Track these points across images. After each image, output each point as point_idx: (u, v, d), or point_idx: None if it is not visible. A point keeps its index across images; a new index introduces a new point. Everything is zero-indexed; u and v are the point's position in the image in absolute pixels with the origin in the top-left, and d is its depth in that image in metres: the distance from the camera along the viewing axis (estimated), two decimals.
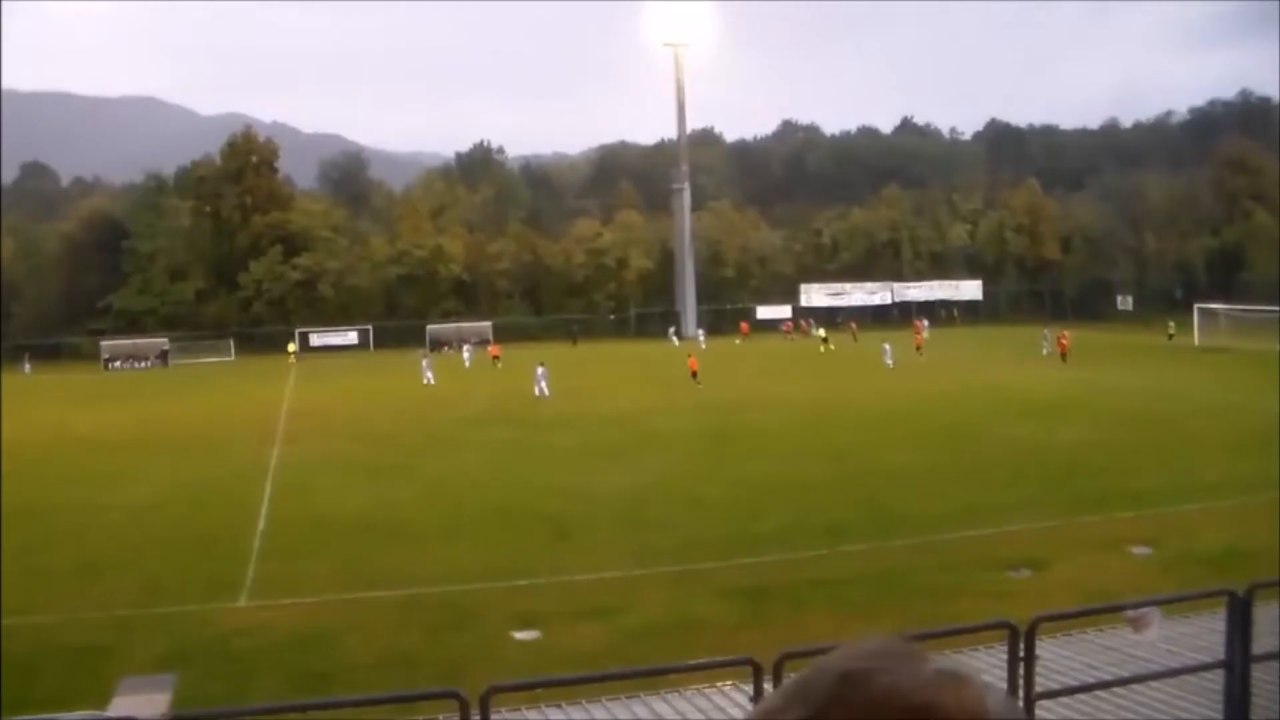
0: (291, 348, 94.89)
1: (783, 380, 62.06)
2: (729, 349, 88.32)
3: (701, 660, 13.16)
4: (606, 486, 32.40)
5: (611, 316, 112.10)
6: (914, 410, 48.37)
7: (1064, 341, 69.67)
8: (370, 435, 45.72)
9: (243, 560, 25.49)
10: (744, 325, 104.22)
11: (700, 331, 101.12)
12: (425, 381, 68.30)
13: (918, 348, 75.93)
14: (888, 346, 69.69)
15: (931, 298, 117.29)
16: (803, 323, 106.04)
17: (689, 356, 65.10)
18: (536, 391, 57.50)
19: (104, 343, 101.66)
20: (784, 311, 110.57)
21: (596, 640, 19.29)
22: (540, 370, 58.33)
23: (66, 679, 18.44)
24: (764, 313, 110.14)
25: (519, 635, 19.68)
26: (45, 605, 22.67)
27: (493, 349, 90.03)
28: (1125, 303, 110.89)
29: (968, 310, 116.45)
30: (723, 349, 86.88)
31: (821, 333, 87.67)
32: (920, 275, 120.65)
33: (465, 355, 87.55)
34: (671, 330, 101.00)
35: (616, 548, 25.48)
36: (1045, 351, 72.72)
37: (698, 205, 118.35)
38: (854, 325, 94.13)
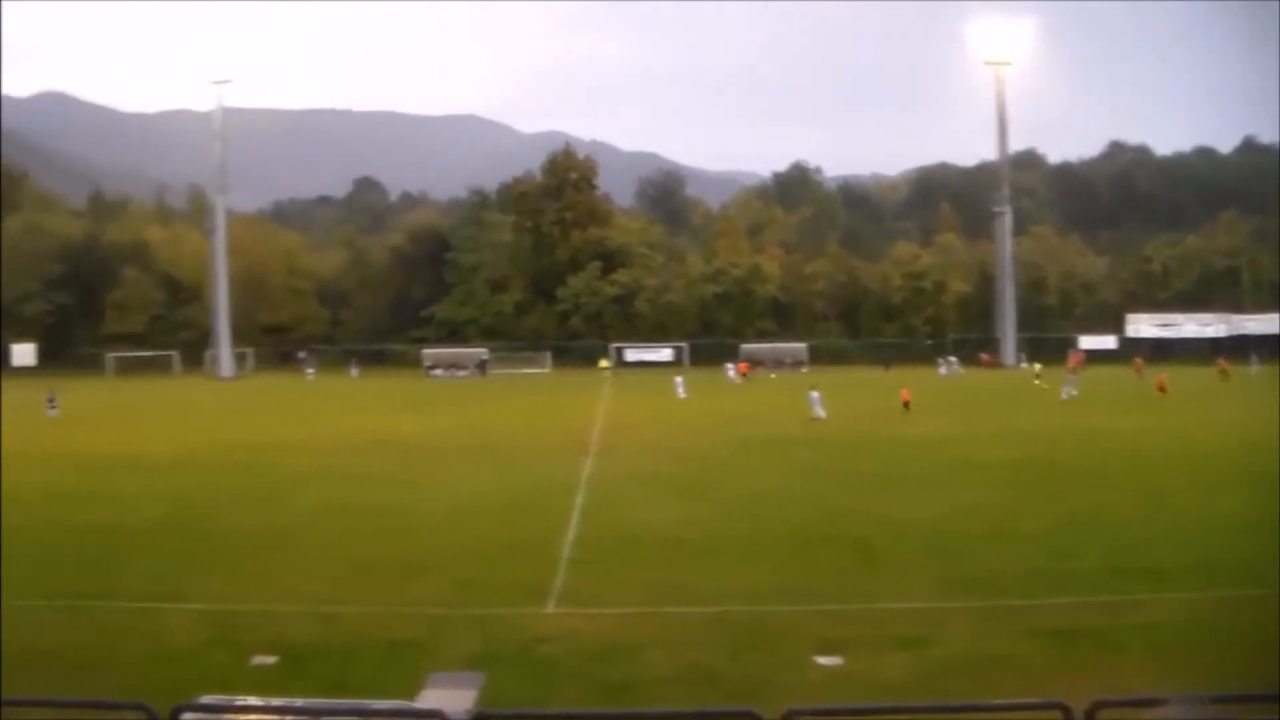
0: (604, 362, 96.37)
1: (1071, 413, 59.24)
2: (987, 380, 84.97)
3: (1008, 700, 12.46)
4: (912, 513, 31.43)
5: (928, 342, 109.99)
6: (1219, 452, 45.09)
7: None
8: (678, 452, 45.72)
9: (552, 568, 25.64)
10: (985, 356, 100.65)
11: (953, 359, 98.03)
12: (679, 397, 71.05)
13: (1155, 382, 70.41)
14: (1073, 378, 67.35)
15: (1273, 331, 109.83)
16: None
17: (902, 388, 63.04)
18: (814, 414, 57.17)
19: (426, 350, 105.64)
20: (1108, 341, 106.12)
21: (900, 671, 18.57)
22: (814, 395, 58.18)
23: (379, 669, 18.84)
24: (1087, 342, 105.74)
25: (822, 660, 19.10)
26: (363, 598, 23.31)
27: (741, 366, 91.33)
28: None
29: None
30: (987, 380, 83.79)
31: (1036, 367, 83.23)
32: (1260, 307, 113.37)
33: (730, 373, 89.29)
34: (950, 359, 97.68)
35: (923, 577, 24.61)
36: None
37: (1019, 229, 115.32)
38: (1139, 360, 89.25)
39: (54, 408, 65.95)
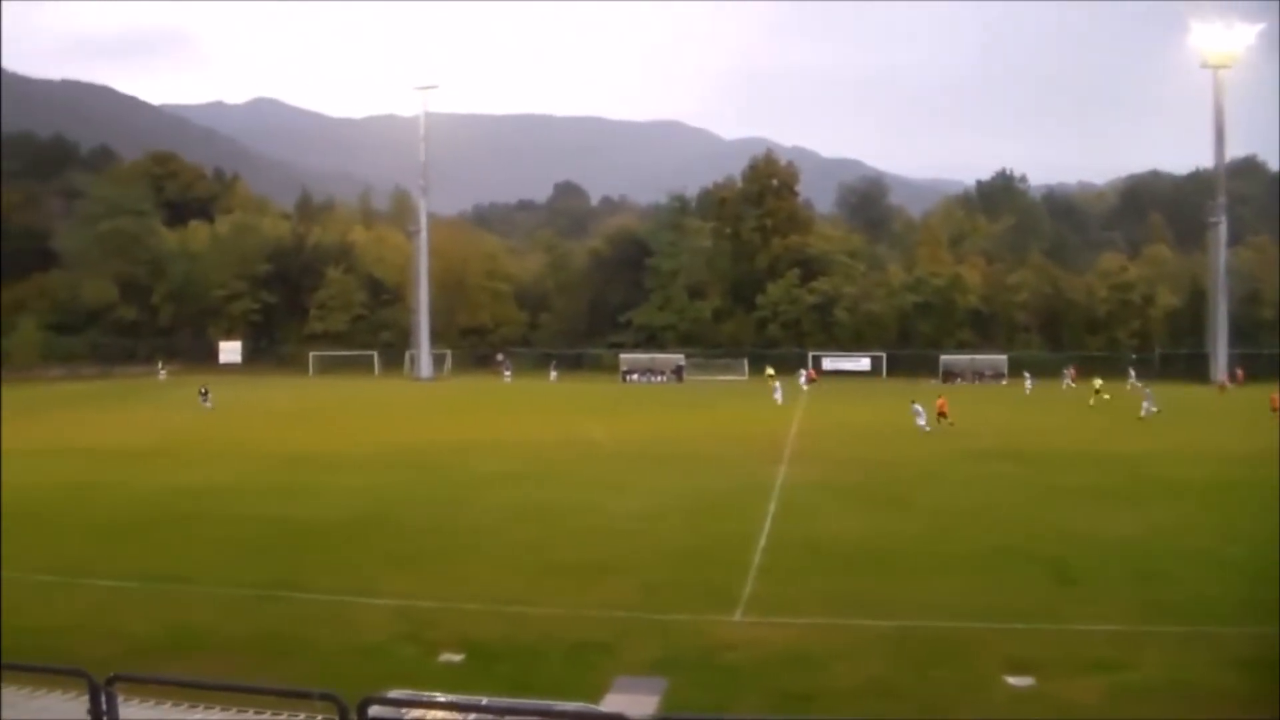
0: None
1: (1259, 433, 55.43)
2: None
3: None
4: (1110, 532, 30.42)
5: (1134, 356, 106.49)
6: None
7: None
8: (871, 462, 45.14)
9: (741, 575, 25.50)
10: (1073, 369, 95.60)
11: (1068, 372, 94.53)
12: (776, 401, 72.60)
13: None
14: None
15: None
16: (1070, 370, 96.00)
17: (939, 397, 62.14)
18: (919, 425, 56.98)
19: (623, 355, 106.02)
20: None
21: (1092, 695, 18.01)
22: (917, 407, 58.13)
23: (563, 670, 19.04)
24: None
25: (1012, 680, 18.58)
26: (550, 599, 23.55)
27: (810, 372, 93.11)
28: None
29: None
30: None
31: (1098, 383, 79.16)
32: None
33: (803, 382, 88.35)
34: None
35: (1120, 599, 23.76)
36: None
37: (1235, 240, 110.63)
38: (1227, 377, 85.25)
39: (207, 400, 71.28)
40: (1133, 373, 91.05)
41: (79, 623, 21.73)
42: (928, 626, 21.60)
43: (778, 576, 25.60)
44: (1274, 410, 62.23)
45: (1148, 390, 68.37)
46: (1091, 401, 72.70)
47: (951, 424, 57.78)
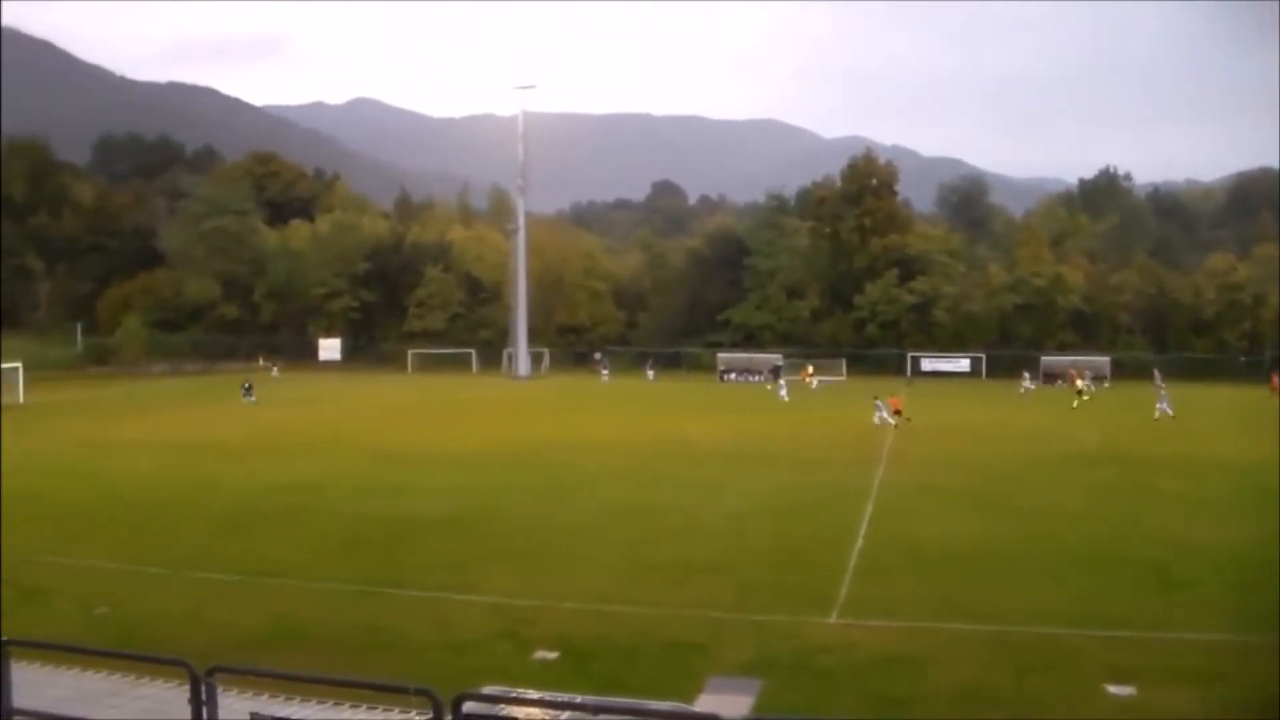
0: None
1: None
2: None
3: None
4: (1217, 540, 29.76)
5: (1243, 359, 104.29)
6: None
7: None
8: (970, 463, 44.71)
9: (837, 577, 25.36)
10: (1073, 371, 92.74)
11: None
12: (781, 398, 75.80)
13: None
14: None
15: None
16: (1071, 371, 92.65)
17: (892, 395, 62.17)
18: (876, 420, 58.65)
19: (720, 355, 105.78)
20: None
21: (1194, 707, 17.63)
22: (879, 403, 60.22)
23: (658, 670, 19.03)
24: None
25: (1113, 689, 18.26)
26: (646, 598, 23.59)
27: (805, 371, 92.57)
28: None
29: None
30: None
31: (1079, 384, 78.62)
32: None
33: (782, 387, 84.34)
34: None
35: (1226, 607, 23.26)
36: None
37: None
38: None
39: (250, 396, 73.35)
40: (1158, 374, 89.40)
41: (183, 614, 22.13)
42: (1027, 632, 21.32)
43: (874, 578, 25.42)
44: None
45: (1163, 391, 67.03)
46: (1075, 404, 71.56)
47: (908, 420, 58.36)
